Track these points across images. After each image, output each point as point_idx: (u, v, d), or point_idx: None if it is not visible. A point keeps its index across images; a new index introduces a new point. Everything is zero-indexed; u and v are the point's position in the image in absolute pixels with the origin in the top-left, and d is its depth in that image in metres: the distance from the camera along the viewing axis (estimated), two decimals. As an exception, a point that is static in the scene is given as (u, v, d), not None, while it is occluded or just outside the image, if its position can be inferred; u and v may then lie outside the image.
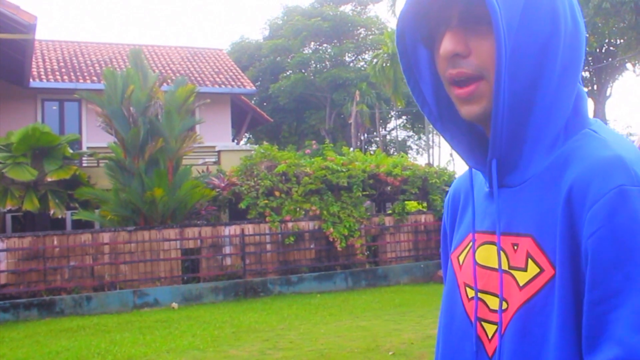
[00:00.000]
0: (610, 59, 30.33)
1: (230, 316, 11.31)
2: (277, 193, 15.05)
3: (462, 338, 1.07)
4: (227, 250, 14.52)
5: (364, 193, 15.99)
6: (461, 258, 1.13)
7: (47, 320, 12.01)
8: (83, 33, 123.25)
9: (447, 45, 0.96)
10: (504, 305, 0.97)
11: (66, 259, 13.19)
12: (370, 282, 15.03)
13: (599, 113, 32.17)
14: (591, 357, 0.85)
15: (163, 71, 21.97)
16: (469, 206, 1.16)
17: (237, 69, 25.19)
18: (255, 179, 15.03)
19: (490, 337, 1.00)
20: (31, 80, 19.43)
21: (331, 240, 15.18)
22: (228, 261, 14.53)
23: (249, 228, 14.70)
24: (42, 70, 20.85)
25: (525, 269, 0.94)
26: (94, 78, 20.61)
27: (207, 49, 26.58)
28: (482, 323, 1.02)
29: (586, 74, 33.23)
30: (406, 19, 1.04)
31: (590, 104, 34.76)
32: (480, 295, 1.03)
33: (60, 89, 20.11)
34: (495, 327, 0.99)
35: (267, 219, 14.80)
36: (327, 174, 15.46)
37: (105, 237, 13.57)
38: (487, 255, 1.03)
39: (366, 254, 15.96)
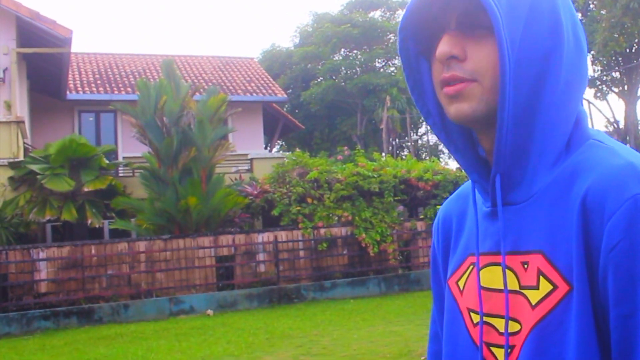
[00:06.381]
0: None
1: (265, 322, 11.41)
2: (309, 200, 15.14)
3: None
4: (261, 257, 14.64)
5: (396, 198, 16.00)
6: (461, 283, 1.08)
7: (86, 328, 12.25)
8: (117, 45, 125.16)
9: (443, 47, 0.94)
10: (517, 327, 0.94)
11: (104, 268, 13.44)
12: (403, 287, 15.03)
13: (630, 114, 31.65)
14: None
15: (195, 81, 22.22)
16: (464, 229, 1.13)
17: (268, 77, 25.36)
18: (288, 186, 15.15)
19: None
20: (68, 92, 19.85)
21: (364, 245, 15.22)
22: (262, 268, 14.65)
23: (282, 235, 14.80)
24: (78, 82, 21.26)
25: (537, 287, 0.91)
26: (129, 89, 20.93)
27: (238, 58, 26.80)
28: (492, 348, 0.99)
29: (616, 75, 32.72)
30: (407, 28, 1.03)
31: (621, 105, 34.19)
32: (488, 319, 1.00)
33: (96, 101, 20.51)
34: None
35: (300, 225, 14.89)
36: (358, 179, 15.50)
37: (141, 245, 13.80)
38: (492, 277, 0.99)
39: (399, 259, 15.95)
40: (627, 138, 29.20)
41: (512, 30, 0.91)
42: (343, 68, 39.11)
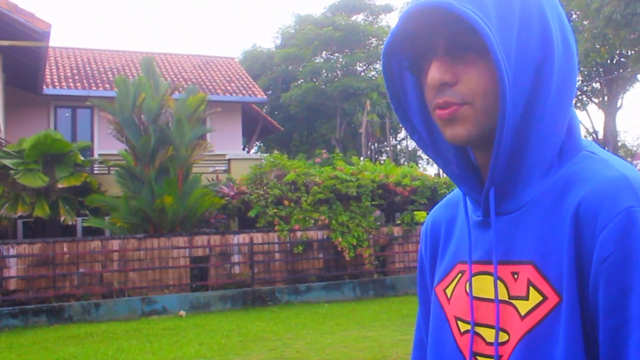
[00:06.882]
0: (621, 70, 30.21)
1: (238, 325, 11.32)
2: (286, 202, 15.07)
3: None
4: (236, 258, 14.54)
5: (373, 203, 15.98)
6: (448, 291, 1.08)
7: (55, 326, 12.06)
8: (96, 40, 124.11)
9: (434, 74, 0.93)
10: (505, 337, 0.93)
11: (75, 266, 13.25)
12: (378, 292, 15.01)
13: (610, 124, 31.98)
14: None
15: (175, 79, 22.07)
16: (453, 237, 1.13)
17: (249, 77, 25.27)
18: (265, 187, 15.06)
19: None
20: (44, 87, 19.58)
21: (340, 249, 15.17)
22: (236, 270, 14.54)
23: (258, 237, 14.71)
24: (55, 77, 21.00)
25: (526, 298, 0.91)
26: (107, 85, 20.74)
27: (218, 58, 26.67)
28: (479, 358, 0.99)
29: (597, 85, 33.06)
30: (392, 51, 1.01)
31: (600, 116, 34.51)
32: (476, 328, 0.99)
33: (73, 96, 20.26)
34: None
35: (276, 227, 14.81)
36: (336, 183, 15.46)
37: (115, 244, 13.63)
38: (481, 286, 0.99)
39: (374, 263, 15.93)
40: (606, 149, 29.54)
41: (506, 46, 0.90)
42: (324, 71, 39.15)
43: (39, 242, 13.18)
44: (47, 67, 19.18)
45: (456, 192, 1.17)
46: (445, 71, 0.93)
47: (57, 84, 20.56)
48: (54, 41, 36.25)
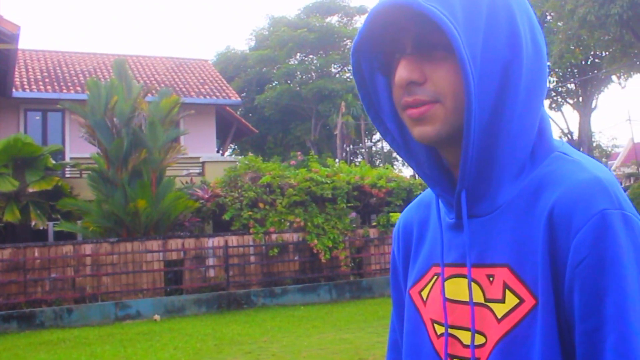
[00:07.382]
0: (595, 71, 30.57)
1: (213, 328, 11.24)
2: (261, 204, 15.00)
3: None
4: (211, 262, 14.45)
5: (349, 205, 15.97)
6: (424, 293, 1.07)
7: (26, 332, 11.87)
8: (67, 43, 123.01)
9: (402, 73, 0.93)
10: (482, 340, 0.93)
11: (47, 271, 13.06)
12: (354, 294, 14.99)
13: (585, 125, 32.34)
14: None
15: (147, 82, 21.88)
16: (426, 238, 1.12)
17: (222, 79, 25.15)
18: (240, 190, 14.98)
19: None
20: (14, 90, 19.29)
21: (315, 252, 15.13)
22: (211, 273, 14.44)
23: (233, 240, 14.63)
24: (25, 80, 20.71)
25: (502, 301, 0.91)
26: (78, 88, 20.49)
27: (192, 60, 26.52)
28: None
29: (571, 86, 33.42)
30: (361, 50, 1.01)
31: (575, 116, 34.96)
32: (452, 331, 0.99)
33: (43, 99, 19.99)
34: None
35: (251, 230, 14.74)
36: (311, 185, 15.42)
37: (87, 248, 13.46)
38: (457, 288, 0.99)
39: (350, 265, 15.92)
40: (581, 149, 29.98)
41: (472, 46, 0.89)
42: (298, 72, 39.09)
43: (9, 247, 12.98)
44: (16, 69, 18.92)
45: (428, 192, 1.16)
46: (413, 70, 0.93)
47: (27, 86, 20.28)
48: (24, 43, 35.87)
